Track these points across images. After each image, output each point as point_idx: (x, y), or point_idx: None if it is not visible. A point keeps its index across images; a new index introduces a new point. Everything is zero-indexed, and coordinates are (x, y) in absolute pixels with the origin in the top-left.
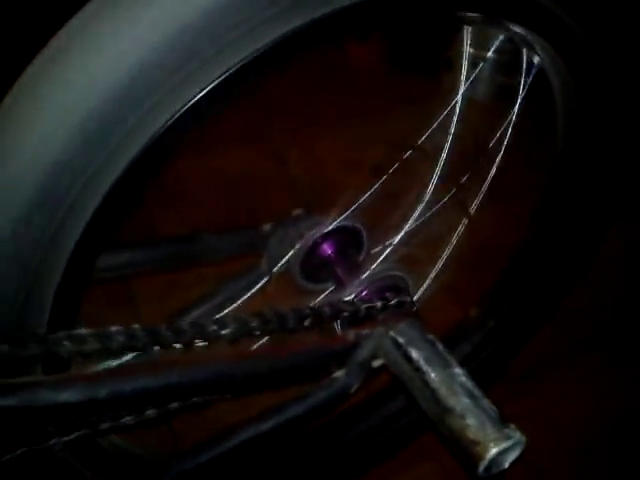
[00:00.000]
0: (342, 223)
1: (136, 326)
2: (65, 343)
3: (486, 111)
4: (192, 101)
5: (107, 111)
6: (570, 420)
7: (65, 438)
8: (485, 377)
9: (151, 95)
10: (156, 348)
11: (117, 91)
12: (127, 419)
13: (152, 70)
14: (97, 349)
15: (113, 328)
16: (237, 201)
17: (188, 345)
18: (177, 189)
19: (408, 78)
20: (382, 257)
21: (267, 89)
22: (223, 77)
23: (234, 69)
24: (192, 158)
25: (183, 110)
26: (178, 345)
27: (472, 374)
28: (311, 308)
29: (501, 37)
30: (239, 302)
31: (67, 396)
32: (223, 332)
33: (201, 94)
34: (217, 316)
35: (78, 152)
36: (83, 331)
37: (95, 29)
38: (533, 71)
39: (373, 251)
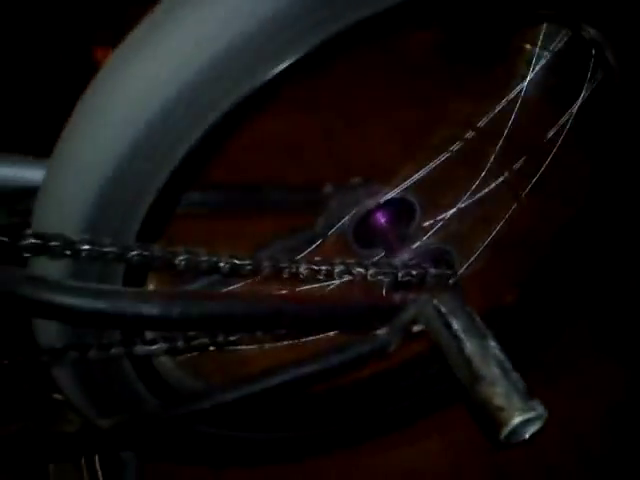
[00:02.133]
0: (398, 195)
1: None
2: (161, 254)
3: (545, 104)
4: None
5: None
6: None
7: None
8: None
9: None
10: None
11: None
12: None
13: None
14: (186, 264)
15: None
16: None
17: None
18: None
19: (463, 66)
20: (432, 231)
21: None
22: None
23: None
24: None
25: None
26: (251, 275)
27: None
28: (366, 263)
29: (567, 37)
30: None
31: (146, 308)
32: (296, 270)
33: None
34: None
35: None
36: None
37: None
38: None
39: (424, 224)
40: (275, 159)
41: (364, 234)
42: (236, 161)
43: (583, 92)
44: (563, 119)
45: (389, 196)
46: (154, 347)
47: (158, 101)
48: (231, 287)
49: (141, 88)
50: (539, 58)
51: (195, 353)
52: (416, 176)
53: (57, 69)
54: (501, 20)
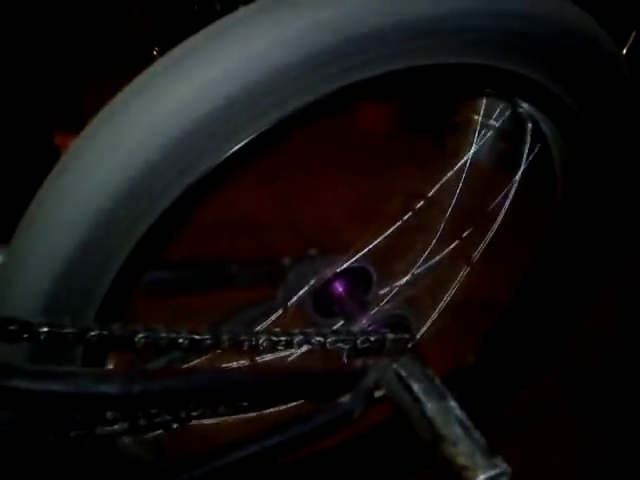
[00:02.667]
0: (354, 264)
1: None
2: (120, 333)
3: (491, 173)
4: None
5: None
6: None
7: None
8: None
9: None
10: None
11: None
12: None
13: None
14: (145, 341)
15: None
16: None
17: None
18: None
19: (414, 138)
20: (389, 297)
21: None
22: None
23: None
24: None
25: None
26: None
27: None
28: (325, 332)
29: (510, 110)
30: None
31: (107, 388)
32: (256, 342)
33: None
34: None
35: (141, 182)
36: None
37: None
38: (537, 142)
39: (381, 291)
40: (232, 232)
41: (323, 304)
42: (194, 236)
43: (523, 162)
44: (507, 187)
45: (345, 265)
46: (115, 427)
47: (118, 184)
48: (193, 362)
49: (101, 174)
50: (486, 128)
51: (158, 431)
52: (371, 245)
53: (18, 154)
54: (444, 93)
